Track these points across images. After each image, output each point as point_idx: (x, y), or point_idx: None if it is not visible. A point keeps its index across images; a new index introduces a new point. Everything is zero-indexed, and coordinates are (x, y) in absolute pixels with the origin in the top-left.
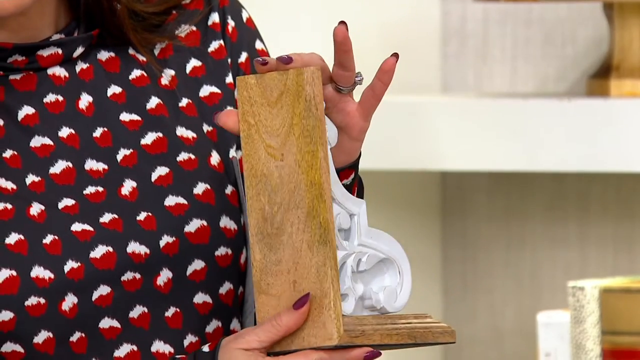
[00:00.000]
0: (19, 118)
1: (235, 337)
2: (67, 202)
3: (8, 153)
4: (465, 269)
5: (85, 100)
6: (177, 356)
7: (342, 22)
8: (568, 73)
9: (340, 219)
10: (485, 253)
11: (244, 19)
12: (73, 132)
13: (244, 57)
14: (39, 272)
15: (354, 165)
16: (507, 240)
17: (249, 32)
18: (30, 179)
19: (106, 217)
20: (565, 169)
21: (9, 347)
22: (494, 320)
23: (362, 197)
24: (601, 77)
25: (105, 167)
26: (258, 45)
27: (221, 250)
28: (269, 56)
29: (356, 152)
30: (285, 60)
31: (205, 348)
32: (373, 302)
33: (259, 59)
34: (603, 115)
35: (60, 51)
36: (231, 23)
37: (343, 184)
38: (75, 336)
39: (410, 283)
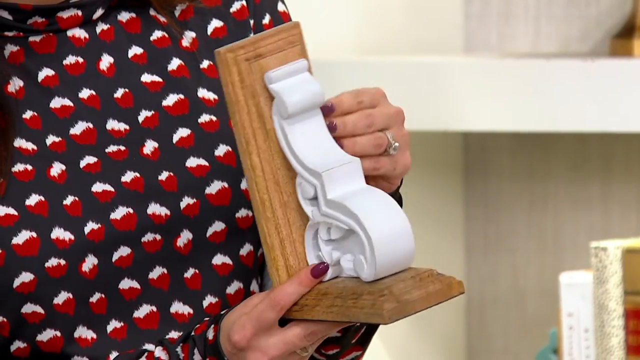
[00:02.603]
0: (39, 79)
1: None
2: (89, 159)
3: (28, 114)
4: (487, 229)
5: (106, 61)
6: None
7: None
8: (591, 33)
9: (302, 189)
10: (508, 214)
11: None
12: (94, 93)
13: (267, 19)
14: (59, 233)
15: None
16: (530, 200)
17: None
18: (51, 139)
19: (128, 176)
20: (588, 129)
21: (29, 308)
22: (516, 281)
23: None
24: (624, 37)
25: (127, 127)
26: (280, 7)
27: (242, 212)
28: (289, 17)
29: (393, 187)
30: (327, 110)
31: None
32: (348, 270)
33: (327, 103)
34: (626, 75)
35: (80, 13)
36: None
37: None
38: (95, 297)
39: (374, 256)
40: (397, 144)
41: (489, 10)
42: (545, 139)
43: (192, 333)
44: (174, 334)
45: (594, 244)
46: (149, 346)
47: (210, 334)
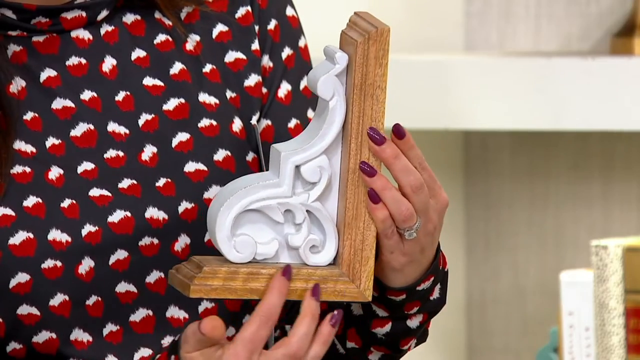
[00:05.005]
0: (41, 80)
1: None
2: (86, 166)
3: (29, 115)
4: (488, 228)
5: (109, 63)
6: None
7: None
8: (592, 31)
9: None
10: (509, 212)
11: None
12: (95, 95)
13: (273, 24)
14: (56, 235)
15: (407, 289)
16: (531, 199)
17: None
18: (50, 142)
19: (125, 183)
20: (589, 127)
21: (25, 309)
22: (517, 279)
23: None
24: (625, 35)
25: (127, 131)
26: (289, 11)
27: None
28: (298, 21)
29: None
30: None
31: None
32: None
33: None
34: (627, 73)
35: (84, 14)
36: None
37: (391, 299)
38: (92, 300)
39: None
40: (415, 234)
41: (489, 9)
42: (545, 137)
43: None
44: (169, 339)
45: (594, 243)
46: None
47: None
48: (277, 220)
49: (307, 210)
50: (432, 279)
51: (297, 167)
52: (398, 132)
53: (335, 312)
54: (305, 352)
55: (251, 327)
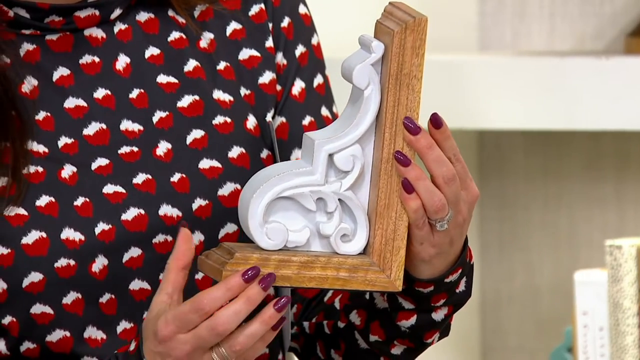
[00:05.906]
0: (54, 79)
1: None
2: (100, 162)
3: (41, 115)
4: (502, 228)
5: (122, 61)
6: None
7: None
8: (606, 31)
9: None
10: (523, 212)
11: None
12: (109, 93)
13: (286, 22)
14: (69, 234)
15: (435, 281)
16: (544, 199)
17: None
18: (63, 141)
19: (139, 178)
20: (602, 127)
21: (38, 308)
22: (531, 279)
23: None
24: (639, 35)
25: (141, 128)
26: (301, 9)
27: None
28: (311, 19)
29: (431, 270)
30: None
31: None
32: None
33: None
34: None
35: (97, 12)
36: None
37: (419, 291)
38: (105, 297)
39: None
40: (446, 225)
41: (503, 9)
42: (559, 137)
43: (115, 351)
44: None
45: (608, 242)
46: None
47: (132, 346)
48: (309, 208)
49: (339, 199)
50: (460, 271)
51: (331, 156)
52: (435, 121)
53: (283, 298)
54: (227, 327)
55: (184, 307)
